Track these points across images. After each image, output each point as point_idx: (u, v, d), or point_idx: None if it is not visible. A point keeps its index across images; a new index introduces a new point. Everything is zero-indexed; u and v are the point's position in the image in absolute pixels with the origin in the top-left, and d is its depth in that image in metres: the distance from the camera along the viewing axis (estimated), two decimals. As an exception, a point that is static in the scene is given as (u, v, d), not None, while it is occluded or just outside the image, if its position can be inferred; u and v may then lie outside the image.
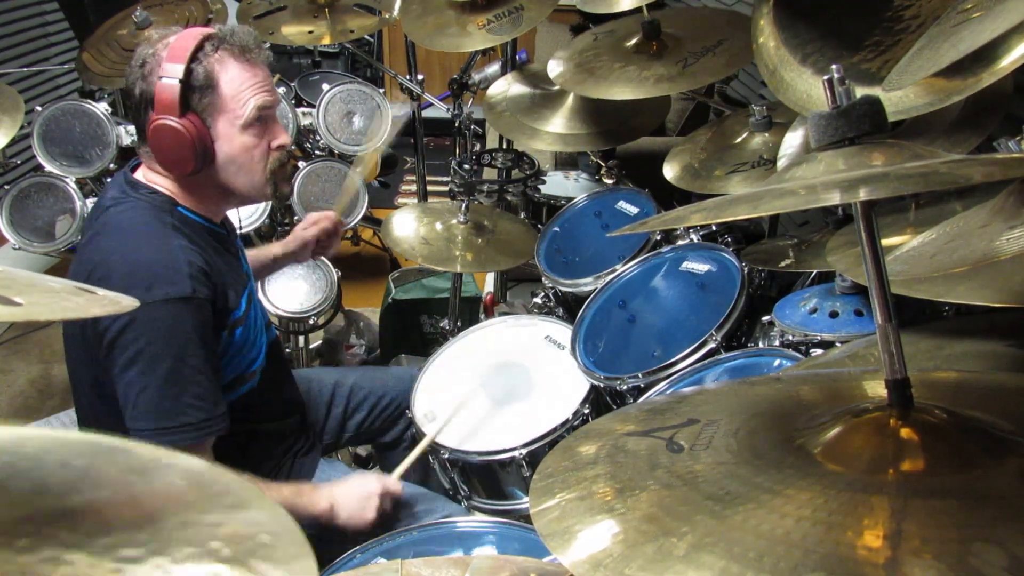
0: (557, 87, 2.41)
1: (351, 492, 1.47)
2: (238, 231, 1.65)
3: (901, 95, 1.19)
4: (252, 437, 1.56)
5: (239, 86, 1.35)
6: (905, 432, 0.63)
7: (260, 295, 2.21)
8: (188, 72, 1.31)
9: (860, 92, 0.71)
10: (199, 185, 1.40)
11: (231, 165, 1.38)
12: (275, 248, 1.86)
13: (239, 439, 1.51)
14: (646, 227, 1.00)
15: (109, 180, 1.51)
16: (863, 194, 0.63)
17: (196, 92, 1.32)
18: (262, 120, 1.39)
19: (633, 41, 2.03)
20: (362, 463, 2.11)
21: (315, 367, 2.61)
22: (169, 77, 1.31)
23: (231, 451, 1.47)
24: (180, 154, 1.34)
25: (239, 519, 0.50)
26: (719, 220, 0.75)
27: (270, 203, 2.43)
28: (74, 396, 1.50)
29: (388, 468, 1.87)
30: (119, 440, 0.57)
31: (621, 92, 1.92)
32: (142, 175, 1.42)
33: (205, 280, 1.33)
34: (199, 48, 1.32)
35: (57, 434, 0.55)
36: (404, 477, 1.61)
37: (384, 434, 1.89)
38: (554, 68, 2.13)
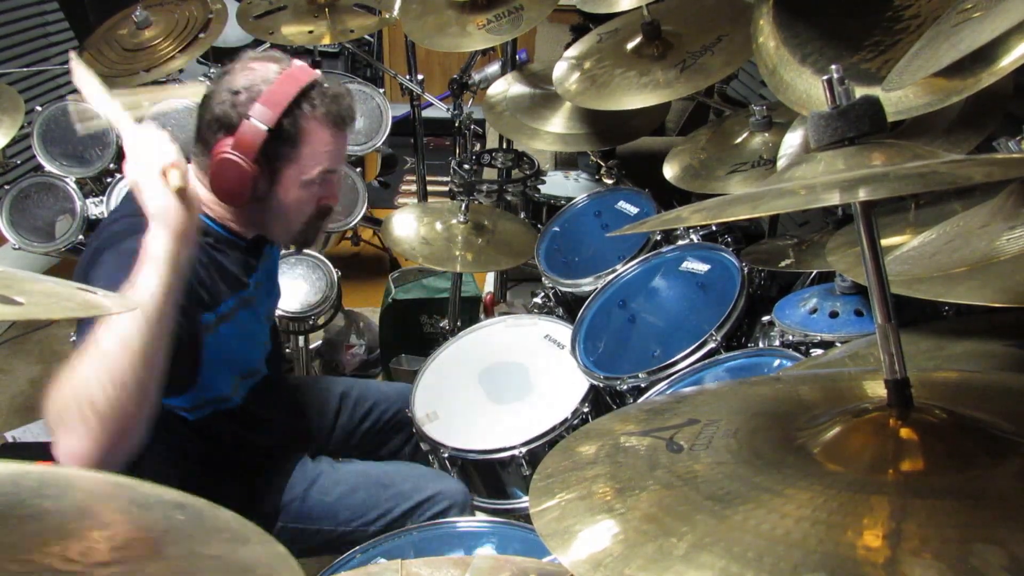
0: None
1: (164, 226, 1.13)
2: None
3: (901, 95, 1.19)
4: (246, 447, 1.57)
5: (320, 149, 1.36)
6: (905, 432, 0.63)
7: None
8: (279, 123, 1.31)
9: (860, 92, 0.71)
10: (233, 208, 1.41)
11: (278, 209, 1.40)
12: None
13: (236, 447, 1.52)
14: (646, 227, 1.00)
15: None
16: (863, 194, 0.63)
17: (279, 142, 1.33)
18: (325, 181, 1.41)
19: (634, 43, 2.03)
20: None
21: (323, 375, 2.61)
22: (259, 121, 1.30)
23: (228, 460, 1.47)
24: (235, 191, 1.35)
25: (238, 553, 0.50)
26: (719, 220, 0.75)
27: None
28: None
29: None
30: (121, 477, 0.57)
31: (620, 102, 1.92)
32: None
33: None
34: (298, 101, 1.32)
35: (58, 469, 0.55)
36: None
37: (383, 447, 1.89)
38: (559, 77, 2.14)
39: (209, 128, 1.35)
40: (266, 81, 1.32)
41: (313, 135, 1.35)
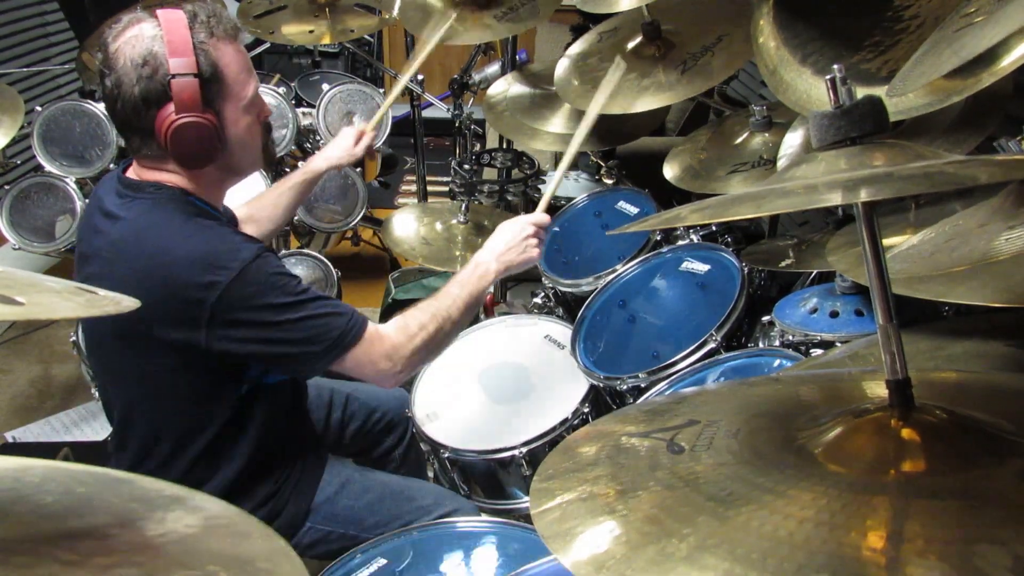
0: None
1: (512, 247, 1.56)
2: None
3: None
4: (298, 426, 1.60)
5: (237, 69, 1.36)
6: (906, 433, 0.63)
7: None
8: (198, 65, 1.30)
9: (860, 92, 0.71)
10: (204, 173, 1.41)
11: (237, 146, 1.40)
12: (320, 164, 1.92)
13: (290, 423, 1.55)
14: (646, 226, 1.00)
15: (98, 188, 1.47)
16: (865, 194, 0.63)
17: (209, 83, 1.32)
18: (256, 97, 1.42)
19: (635, 43, 2.03)
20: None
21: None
22: (182, 74, 1.29)
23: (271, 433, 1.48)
24: (203, 148, 1.35)
25: (239, 547, 0.50)
26: (720, 219, 0.76)
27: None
28: (121, 415, 1.47)
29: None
30: (122, 472, 0.57)
31: (622, 105, 1.92)
32: (136, 174, 1.40)
33: (256, 239, 1.40)
34: (196, 37, 1.31)
35: (60, 464, 0.55)
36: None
37: (374, 448, 1.88)
38: (560, 78, 2.13)
39: (137, 115, 1.32)
40: (155, 39, 1.30)
41: (225, 59, 1.35)
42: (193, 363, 1.34)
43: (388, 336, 1.40)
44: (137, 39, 1.30)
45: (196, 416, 1.40)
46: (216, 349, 1.30)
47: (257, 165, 1.51)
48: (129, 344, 1.36)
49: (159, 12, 1.33)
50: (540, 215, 1.63)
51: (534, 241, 1.58)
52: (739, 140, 1.90)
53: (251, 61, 1.43)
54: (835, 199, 0.67)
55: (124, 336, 1.36)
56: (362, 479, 1.59)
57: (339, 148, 1.93)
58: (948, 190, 1.25)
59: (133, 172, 1.41)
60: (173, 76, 1.28)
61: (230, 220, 1.58)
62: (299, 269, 2.41)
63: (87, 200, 2.43)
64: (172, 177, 1.39)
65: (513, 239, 1.57)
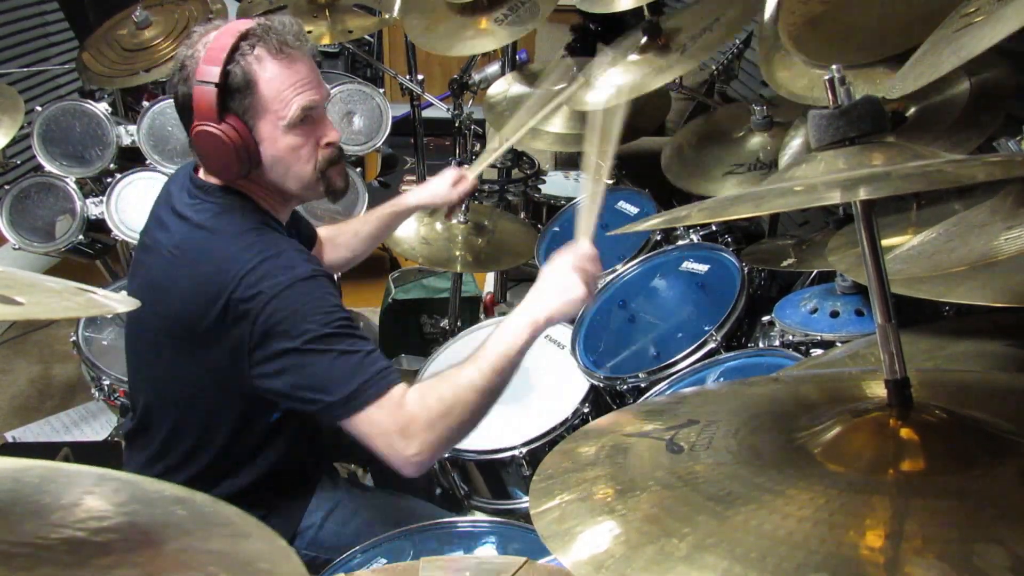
0: (557, 87, 2.40)
1: (560, 294, 1.30)
2: None
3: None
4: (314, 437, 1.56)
5: (280, 86, 1.30)
6: (905, 432, 0.63)
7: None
8: (225, 75, 1.27)
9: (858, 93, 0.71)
10: (256, 185, 1.38)
11: (278, 166, 1.35)
12: (410, 199, 1.84)
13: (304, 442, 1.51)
14: (646, 226, 0.99)
15: (171, 183, 1.46)
16: (863, 193, 0.63)
17: (235, 95, 1.29)
18: (308, 119, 1.34)
19: (638, 47, 2.01)
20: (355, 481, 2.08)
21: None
22: (206, 81, 1.27)
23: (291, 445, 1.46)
24: (223, 160, 1.31)
25: (239, 548, 0.50)
26: (720, 219, 0.76)
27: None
28: (155, 419, 1.44)
29: (380, 482, 1.82)
30: (122, 473, 0.57)
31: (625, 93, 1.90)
32: (203, 176, 1.39)
33: (317, 262, 1.36)
34: (236, 48, 1.28)
35: (59, 465, 0.55)
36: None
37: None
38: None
39: (181, 116, 1.34)
40: (206, 44, 1.29)
41: (265, 73, 1.29)
42: (234, 375, 1.29)
43: (407, 405, 1.23)
44: (192, 44, 1.32)
45: (219, 427, 1.38)
46: (254, 373, 1.27)
47: (311, 190, 1.41)
48: (177, 344, 1.33)
49: (233, 21, 1.33)
50: (581, 249, 1.33)
51: (585, 287, 1.30)
52: (737, 135, 1.89)
53: (318, 85, 1.35)
54: (834, 198, 0.67)
55: (174, 335, 1.33)
56: (352, 502, 1.55)
57: (434, 189, 1.81)
58: (948, 190, 1.25)
59: (203, 174, 1.40)
60: (198, 83, 1.28)
61: (309, 237, 1.54)
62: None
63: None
64: (241, 183, 1.37)
65: (570, 296, 1.30)
